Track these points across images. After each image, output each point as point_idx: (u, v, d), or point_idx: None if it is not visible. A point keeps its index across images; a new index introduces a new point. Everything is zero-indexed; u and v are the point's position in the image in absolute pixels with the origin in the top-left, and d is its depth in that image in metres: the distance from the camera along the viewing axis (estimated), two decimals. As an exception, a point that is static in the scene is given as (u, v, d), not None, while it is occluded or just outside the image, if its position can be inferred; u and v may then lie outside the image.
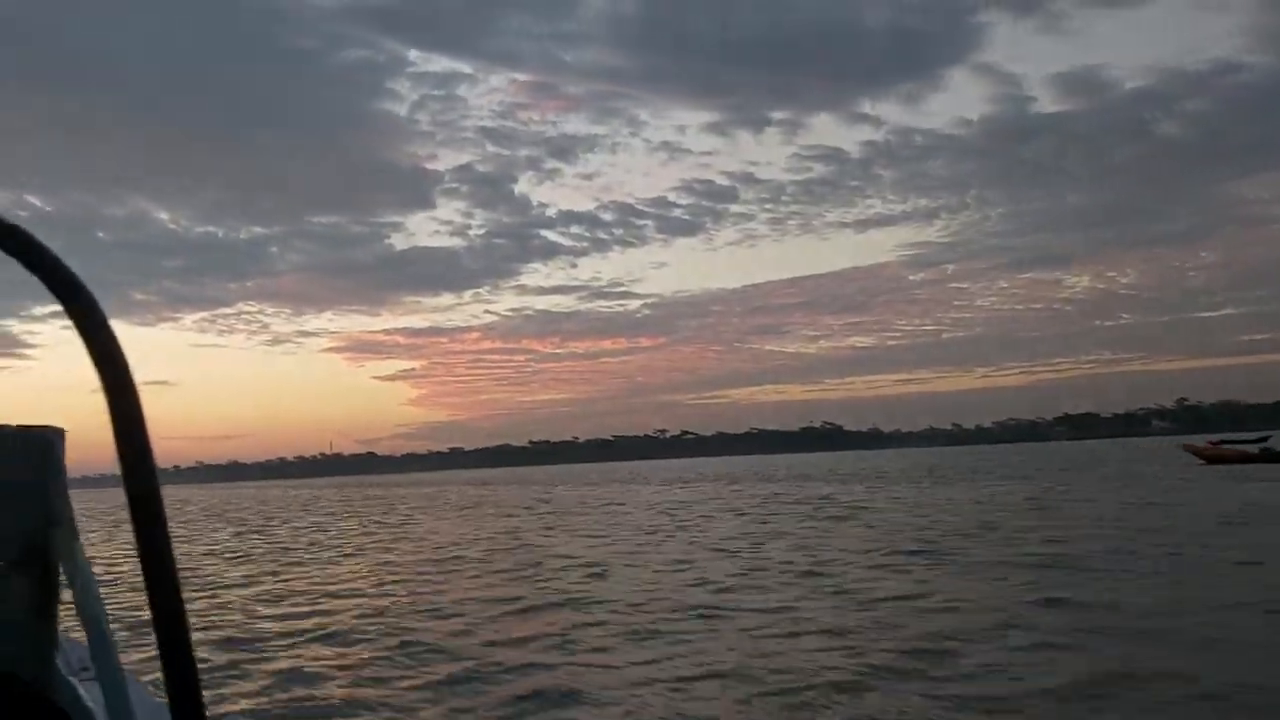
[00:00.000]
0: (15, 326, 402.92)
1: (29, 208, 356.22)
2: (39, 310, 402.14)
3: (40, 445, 0.95)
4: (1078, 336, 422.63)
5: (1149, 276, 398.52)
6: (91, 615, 0.93)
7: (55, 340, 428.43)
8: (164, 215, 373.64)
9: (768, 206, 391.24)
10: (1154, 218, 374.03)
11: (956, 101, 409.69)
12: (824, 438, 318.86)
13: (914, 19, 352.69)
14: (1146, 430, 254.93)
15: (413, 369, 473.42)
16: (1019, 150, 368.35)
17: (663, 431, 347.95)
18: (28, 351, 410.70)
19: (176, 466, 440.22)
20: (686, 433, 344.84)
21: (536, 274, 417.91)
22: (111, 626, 0.96)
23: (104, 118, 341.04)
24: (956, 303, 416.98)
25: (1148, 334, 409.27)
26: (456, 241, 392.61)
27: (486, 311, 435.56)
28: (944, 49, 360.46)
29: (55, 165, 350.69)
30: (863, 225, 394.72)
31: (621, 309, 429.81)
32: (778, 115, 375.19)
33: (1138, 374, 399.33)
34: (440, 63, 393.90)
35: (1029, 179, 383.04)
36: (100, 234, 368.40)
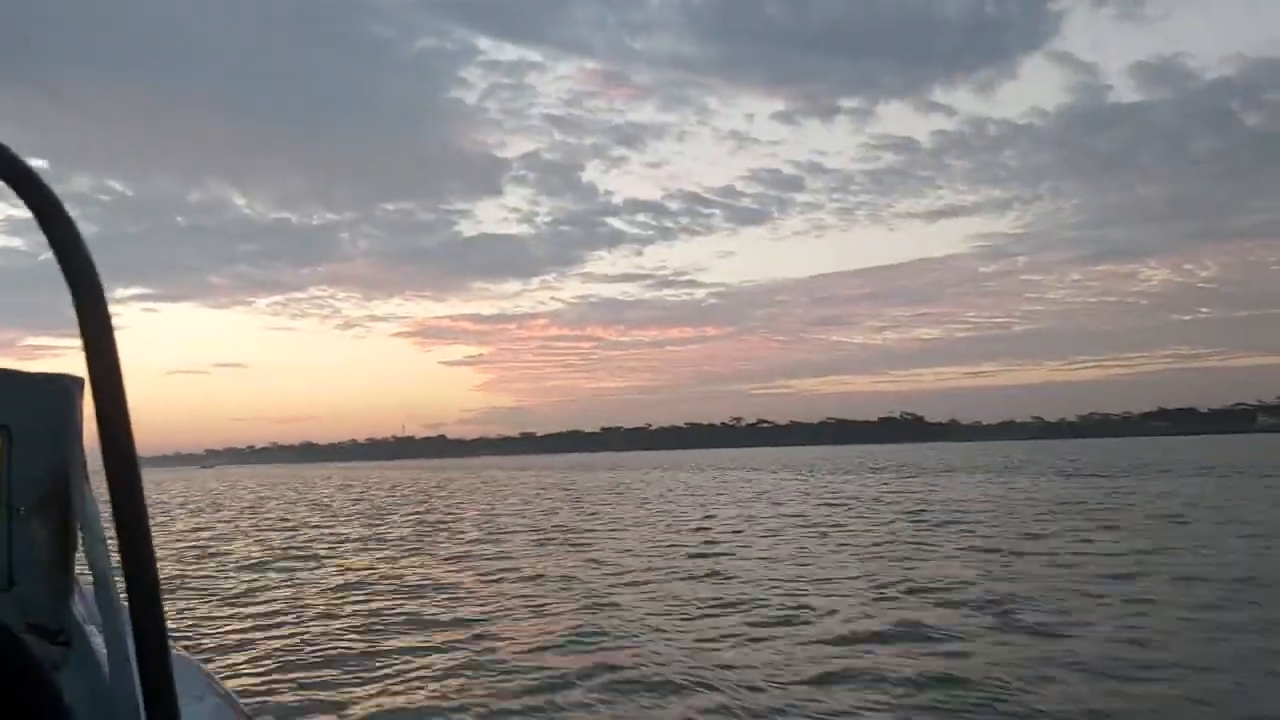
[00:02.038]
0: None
1: (111, 192, 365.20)
2: (120, 292, 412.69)
3: (61, 393, 0.96)
4: (1153, 331, 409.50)
5: (1229, 270, 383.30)
6: (100, 566, 0.93)
7: (133, 322, 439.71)
8: (240, 201, 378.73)
9: (836, 196, 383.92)
10: (1234, 210, 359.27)
11: (1032, 91, 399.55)
12: (904, 429, 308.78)
13: (990, 6, 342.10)
14: (1251, 426, 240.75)
15: (479, 355, 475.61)
16: (1095, 141, 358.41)
17: (737, 420, 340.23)
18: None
19: (251, 446, 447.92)
20: (762, 421, 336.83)
21: (602, 262, 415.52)
22: (118, 579, 0.94)
23: (184, 105, 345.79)
24: (1028, 295, 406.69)
25: (1228, 329, 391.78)
26: (523, 229, 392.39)
27: (552, 298, 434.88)
28: (1020, 37, 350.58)
29: (137, 151, 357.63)
30: (933, 216, 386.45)
31: (687, 298, 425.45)
32: (848, 104, 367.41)
33: (1217, 370, 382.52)
34: (510, 51, 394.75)
35: (1104, 170, 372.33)
36: (179, 218, 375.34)
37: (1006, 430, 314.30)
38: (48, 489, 0.93)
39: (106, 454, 0.82)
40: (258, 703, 6.68)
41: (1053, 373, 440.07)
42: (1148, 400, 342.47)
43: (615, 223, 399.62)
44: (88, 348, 0.82)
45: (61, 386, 0.95)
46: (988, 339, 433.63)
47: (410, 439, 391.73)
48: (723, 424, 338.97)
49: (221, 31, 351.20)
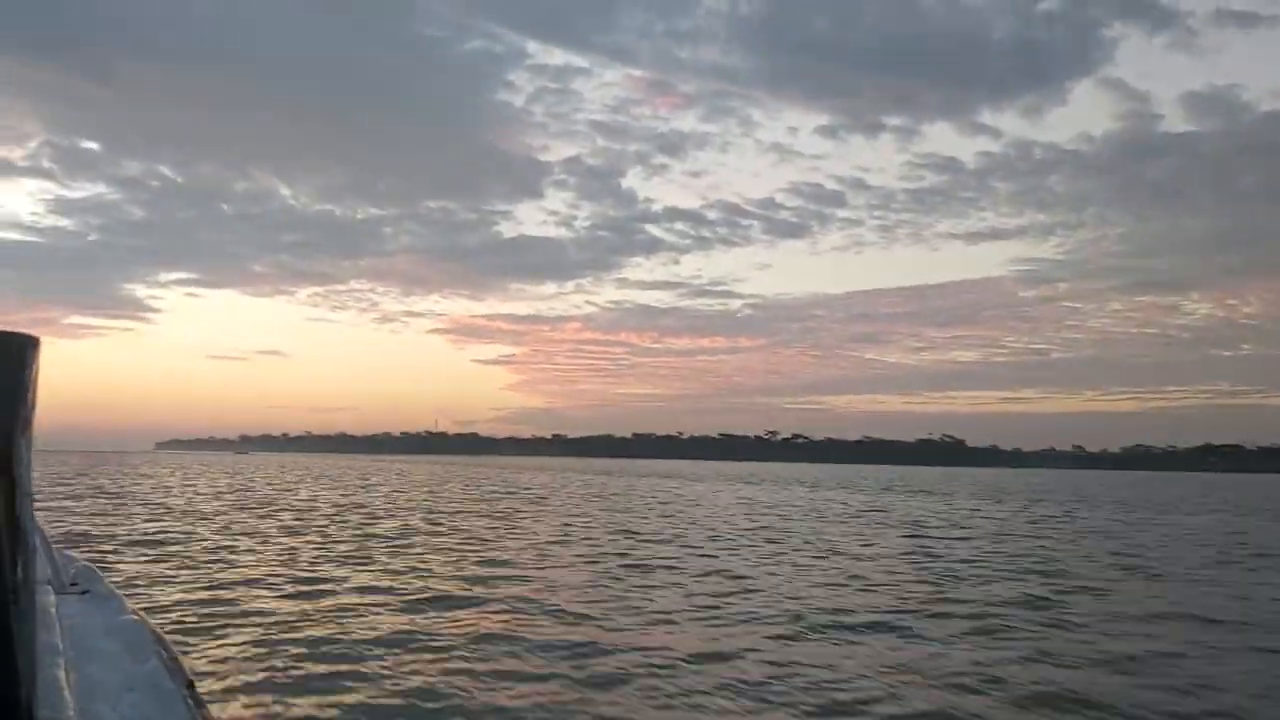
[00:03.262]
0: (141, 291, 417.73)
1: (161, 177, 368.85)
2: (164, 276, 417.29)
3: (14, 352, 0.95)
4: (1193, 365, 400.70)
5: (1273, 307, 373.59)
6: (24, 525, 0.95)
7: (176, 306, 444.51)
8: (286, 191, 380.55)
9: (877, 213, 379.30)
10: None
11: (1080, 116, 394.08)
12: (944, 451, 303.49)
13: (1041, 31, 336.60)
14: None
15: (512, 355, 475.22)
16: (1142, 169, 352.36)
17: (773, 433, 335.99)
18: (151, 316, 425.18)
19: (286, 434, 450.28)
20: (798, 436, 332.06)
21: (639, 268, 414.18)
22: (52, 543, 0.99)
23: (233, 96, 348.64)
24: (1068, 323, 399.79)
25: (1270, 367, 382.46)
26: (562, 232, 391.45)
27: (587, 302, 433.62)
28: (1070, 62, 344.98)
29: (187, 139, 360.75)
30: (974, 238, 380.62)
31: (722, 308, 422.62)
32: (893, 121, 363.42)
33: (1259, 408, 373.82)
34: (558, 56, 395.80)
35: (1151, 199, 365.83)
36: (225, 206, 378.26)
37: (1049, 458, 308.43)
38: None
39: None
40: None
41: (1089, 402, 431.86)
42: (1189, 435, 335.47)
43: (653, 230, 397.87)
44: None
45: (17, 345, 0.93)
46: (1025, 364, 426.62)
47: (443, 435, 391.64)
48: (757, 436, 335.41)
49: (272, 25, 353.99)
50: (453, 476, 61.58)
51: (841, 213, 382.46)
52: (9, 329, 0.92)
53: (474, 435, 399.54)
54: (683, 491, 45.46)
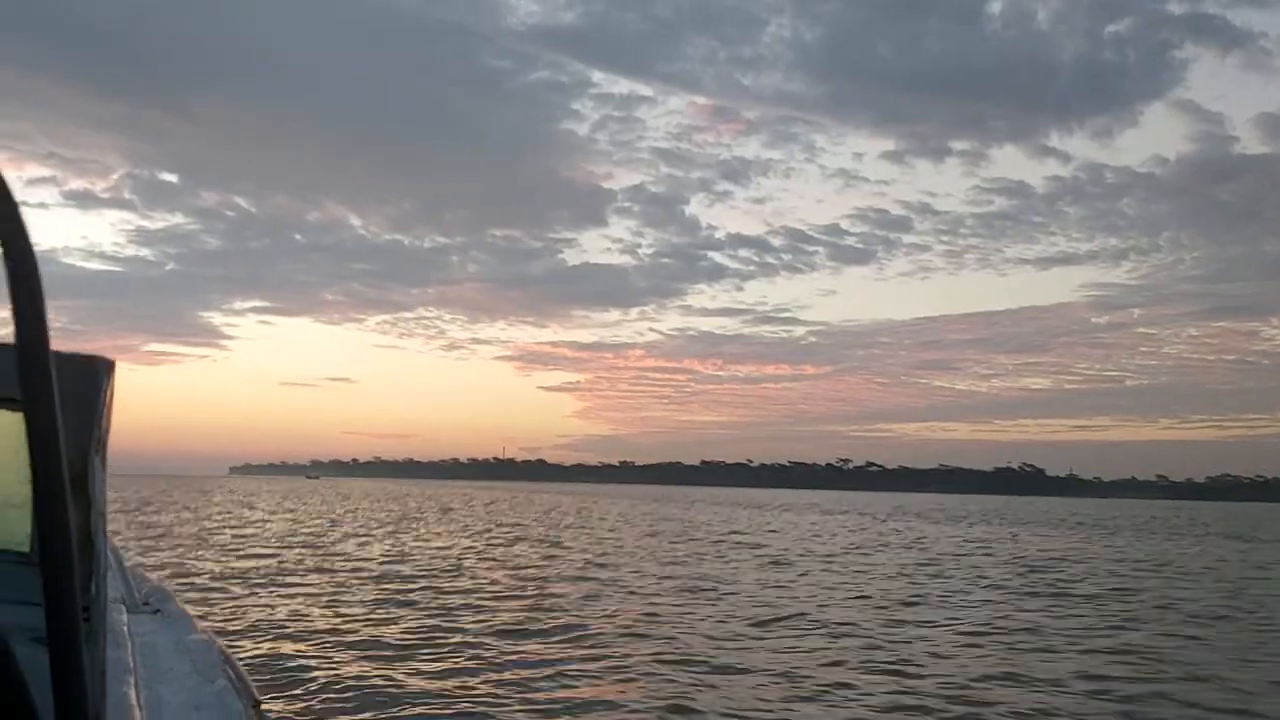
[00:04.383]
0: (217, 318, 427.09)
1: (236, 208, 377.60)
2: (239, 304, 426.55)
3: (91, 375, 0.97)
4: (1275, 392, 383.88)
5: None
6: (97, 545, 0.97)
7: (250, 333, 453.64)
8: (356, 221, 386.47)
9: (944, 239, 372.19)
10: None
11: (1152, 139, 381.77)
12: (1021, 480, 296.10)
13: (1110, 52, 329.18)
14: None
15: (577, 382, 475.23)
16: (1217, 192, 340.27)
17: (845, 461, 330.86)
18: (226, 343, 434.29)
19: (355, 459, 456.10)
20: (871, 464, 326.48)
21: (702, 295, 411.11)
22: (111, 559, 1.13)
23: (305, 128, 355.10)
24: (1142, 349, 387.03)
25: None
26: (626, 259, 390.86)
27: (650, 329, 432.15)
28: (1141, 84, 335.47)
29: (261, 170, 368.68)
30: (1045, 263, 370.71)
31: (786, 335, 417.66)
32: (959, 146, 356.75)
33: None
34: (622, 84, 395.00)
35: (1227, 223, 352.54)
36: (298, 236, 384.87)
37: (1132, 487, 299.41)
38: (76, 469, 0.91)
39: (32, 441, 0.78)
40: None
41: (1165, 430, 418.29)
42: (1275, 464, 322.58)
43: (717, 257, 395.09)
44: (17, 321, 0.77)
45: (91, 368, 0.97)
46: (1098, 392, 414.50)
47: (511, 461, 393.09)
48: (829, 464, 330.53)
49: (339, 61, 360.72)
50: (568, 507, 60.15)
51: (908, 238, 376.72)
52: (88, 353, 0.93)
53: (542, 462, 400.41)
54: (810, 522, 43.41)
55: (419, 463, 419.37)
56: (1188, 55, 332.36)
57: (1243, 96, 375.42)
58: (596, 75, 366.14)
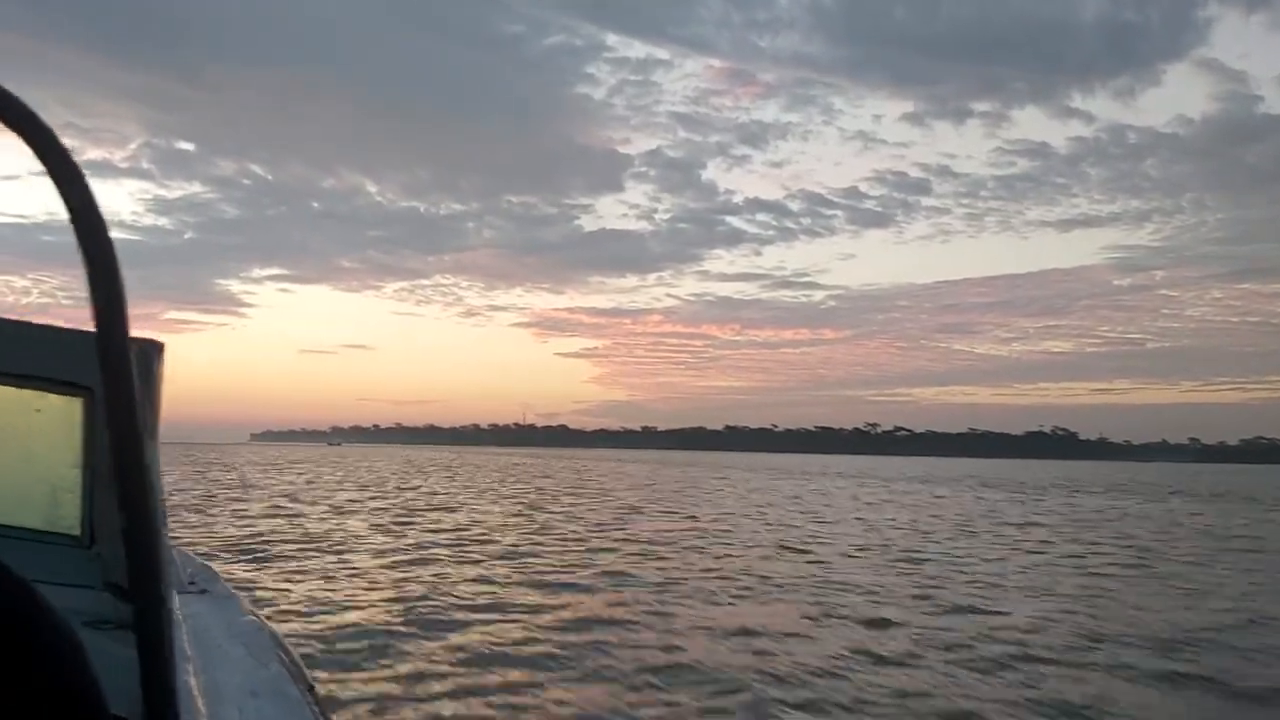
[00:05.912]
0: (235, 286, 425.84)
1: (252, 176, 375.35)
2: (257, 272, 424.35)
3: (142, 357, 0.96)
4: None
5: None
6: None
7: (269, 301, 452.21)
8: (372, 189, 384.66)
9: (964, 201, 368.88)
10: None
11: (1176, 99, 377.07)
12: (1053, 444, 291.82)
13: (1130, 12, 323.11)
14: None
15: (594, 348, 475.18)
16: (1242, 153, 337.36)
17: (874, 425, 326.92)
18: (245, 310, 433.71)
19: (376, 426, 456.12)
20: (900, 429, 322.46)
21: (720, 260, 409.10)
22: (170, 542, 1.04)
23: (319, 96, 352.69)
24: (1165, 311, 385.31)
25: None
26: (643, 225, 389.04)
27: (668, 295, 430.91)
28: (1164, 43, 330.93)
29: (277, 139, 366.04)
30: (1066, 225, 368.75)
31: (805, 299, 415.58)
32: (980, 108, 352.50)
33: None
34: (638, 48, 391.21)
35: (1251, 184, 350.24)
36: (314, 204, 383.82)
37: (1164, 451, 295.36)
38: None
39: (112, 418, 0.80)
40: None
41: (1188, 393, 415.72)
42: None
43: (735, 221, 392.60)
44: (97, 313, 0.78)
45: (143, 351, 0.95)
46: (1120, 354, 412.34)
47: (532, 427, 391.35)
48: (856, 429, 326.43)
49: (355, 25, 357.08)
50: (652, 475, 57.09)
51: (927, 201, 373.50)
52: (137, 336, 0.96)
53: (564, 428, 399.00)
54: (869, 492, 40.15)
55: (439, 428, 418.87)
56: (1211, 14, 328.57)
57: (1268, 56, 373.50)
58: (611, 38, 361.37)
